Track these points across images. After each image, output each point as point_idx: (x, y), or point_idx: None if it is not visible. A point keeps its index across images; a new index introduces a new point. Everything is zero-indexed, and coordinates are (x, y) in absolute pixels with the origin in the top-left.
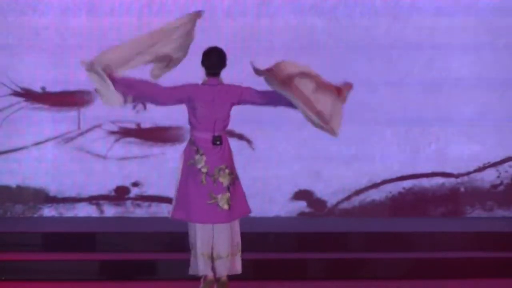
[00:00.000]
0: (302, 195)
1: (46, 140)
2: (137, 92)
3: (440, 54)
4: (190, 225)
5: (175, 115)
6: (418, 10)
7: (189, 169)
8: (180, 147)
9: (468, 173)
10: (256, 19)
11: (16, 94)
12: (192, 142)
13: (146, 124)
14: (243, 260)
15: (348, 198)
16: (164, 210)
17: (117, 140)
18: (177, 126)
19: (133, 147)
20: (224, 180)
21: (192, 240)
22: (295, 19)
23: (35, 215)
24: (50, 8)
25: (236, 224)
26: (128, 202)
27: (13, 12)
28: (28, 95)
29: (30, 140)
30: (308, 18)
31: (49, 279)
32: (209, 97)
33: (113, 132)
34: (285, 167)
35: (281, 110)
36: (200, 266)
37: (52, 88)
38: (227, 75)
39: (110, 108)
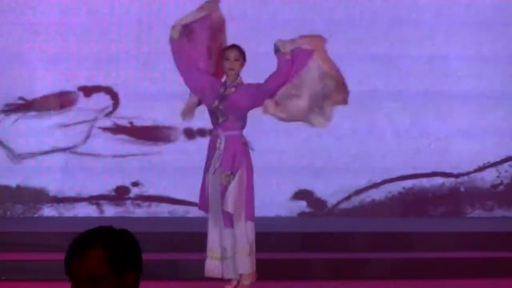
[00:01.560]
0: (302, 195)
1: (46, 140)
2: None
3: (440, 54)
4: (253, 226)
5: (172, 115)
6: (418, 10)
7: (251, 170)
8: (176, 146)
9: (468, 173)
10: (256, 19)
11: (17, 98)
12: (246, 143)
13: (138, 122)
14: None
15: (348, 198)
16: (164, 210)
17: (116, 140)
18: (170, 126)
19: (133, 147)
20: None
21: (252, 239)
22: (295, 19)
23: (35, 215)
24: (50, 8)
25: None
26: (128, 202)
27: (13, 12)
28: (28, 94)
29: (30, 139)
30: (308, 18)
31: (49, 279)
32: None
33: (112, 132)
34: (285, 167)
35: None
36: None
37: (52, 88)
38: None
39: (110, 108)
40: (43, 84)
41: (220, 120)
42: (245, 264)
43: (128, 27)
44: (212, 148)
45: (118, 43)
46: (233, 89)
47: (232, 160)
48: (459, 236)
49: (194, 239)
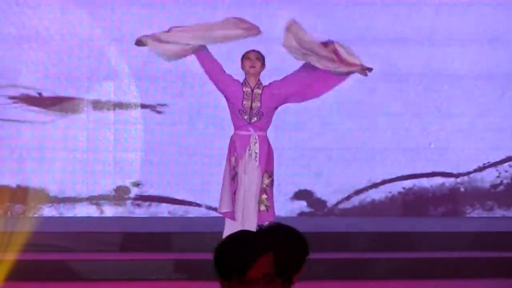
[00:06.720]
0: (302, 195)
1: (47, 140)
2: None
3: (440, 53)
4: None
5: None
6: (418, 9)
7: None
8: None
9: (468, 173)
10: (256, 19)
11: (17, 96)
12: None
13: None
14: None
15: (348, 198)
16: (164, 210)
17: (117, 140)
18: None
19: (134, 148)
20: None
21: None
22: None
23: (35, 215)
24: (50, 8)
25: None
26: (128, 202)
27: (13, 12)
28: (28, 94)
29: (31, 140)
30: (308, 18)
31: (48, 279)
32: None
33: (113, 132)
34: (285, 167)
35: (282, 110)
36: None
37: (53, 87)
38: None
39: (112, 108)
40: (43, 84)
41: (253, 119)
42: None
43: (128, 27)
44: (242, 148)
45: (118, 42)
46: (259, 90)
47: (268, 160)
48: (459, 236)
49: (194, 239)
